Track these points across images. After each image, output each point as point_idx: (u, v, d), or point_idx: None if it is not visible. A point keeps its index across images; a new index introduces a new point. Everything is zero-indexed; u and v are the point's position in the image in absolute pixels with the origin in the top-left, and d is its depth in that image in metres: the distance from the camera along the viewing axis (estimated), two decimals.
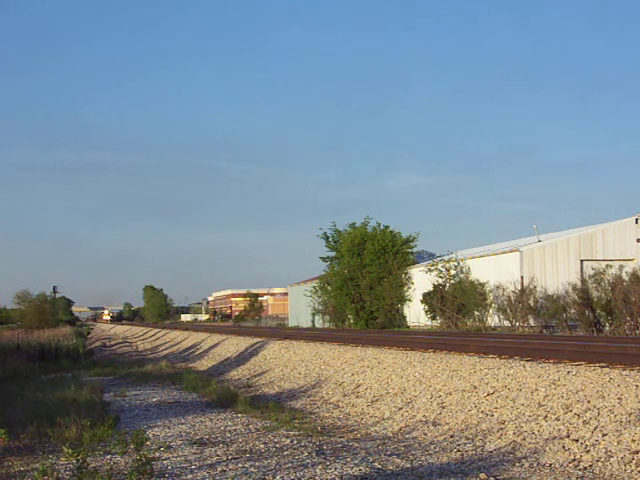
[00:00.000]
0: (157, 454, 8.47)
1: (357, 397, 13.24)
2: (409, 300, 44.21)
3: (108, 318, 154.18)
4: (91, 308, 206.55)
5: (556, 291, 29.81)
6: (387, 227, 47.27)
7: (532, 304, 30.84)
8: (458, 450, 8.59)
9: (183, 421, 11.33)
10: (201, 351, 30.06)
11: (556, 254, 34.94)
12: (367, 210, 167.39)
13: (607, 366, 10.89)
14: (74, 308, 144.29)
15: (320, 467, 7.64)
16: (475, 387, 11.18)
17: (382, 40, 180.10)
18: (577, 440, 8.04)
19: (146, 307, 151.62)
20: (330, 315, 49.85)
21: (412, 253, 46.91)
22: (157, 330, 58.23)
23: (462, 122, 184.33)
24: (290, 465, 7.78)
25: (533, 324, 30.59)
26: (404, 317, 44.32)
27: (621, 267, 27.76)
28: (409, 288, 44.63)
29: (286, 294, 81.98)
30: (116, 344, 45.74)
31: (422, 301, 39.79)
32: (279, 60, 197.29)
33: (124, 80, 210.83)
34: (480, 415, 10.00)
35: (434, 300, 37.76)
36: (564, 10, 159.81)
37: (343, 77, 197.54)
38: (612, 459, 7.36)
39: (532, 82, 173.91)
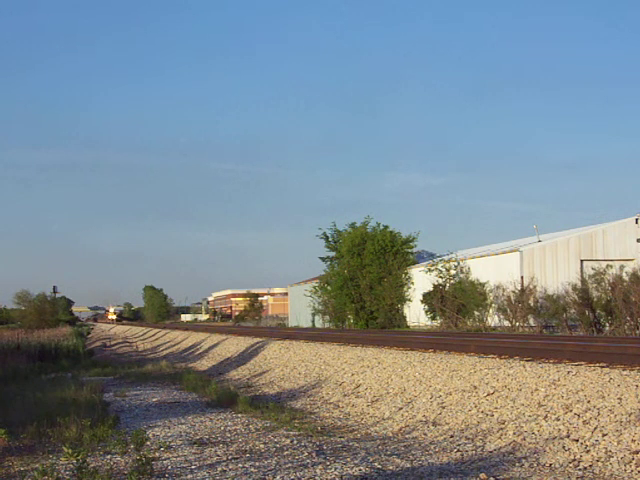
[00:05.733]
0: (157, 454, 8.46)
1: (357, 397, 13.25)
2: (409, 300, 44.21)
3: (114, 317, 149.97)
4: (91, 308, 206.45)
5: (556, 291, 29.81)
6: (387, 227, 47.29)
7: (532, 304, 30.84)
8: (458, 450, 8.59)
9: (183, 421, 11.32)
10: (201, 351, 30.06)
11: (556, 254, 34.94)
12: (367, 210, 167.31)
13: (607, 366, 10.90)
14: (74, 308, 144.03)
15: (320, 467, 7.64)
16: (475, 387, 11.18)
17: (382, 39, 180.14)
18: (577, 440, 8.04)
19: (146, 307, 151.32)
20: (330, 315, 49.85)
21: (412, 253, 46.90)
22: (157, 330, 58.24)
23: (462, 122, 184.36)
24: (290, 465, 7.78)
25: (533, 324, 30.59)
26: (404, 317, 44.31)
27: (621, 267, 27.77)
28: (409, 288, 44.63)
29: (286, 294, 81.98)
30: (116, 344, 45.75)
31: (422, 301, 39.80)
32: (279, 60, 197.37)
33: (125, 80, 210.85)
34: (480, 415, 10.00)
35: (434, 300, 37.76)
36: (564, 9, 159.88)
37: (342, 77, 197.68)
38: (612, 459, 7.36)
39: (532, 82, 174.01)
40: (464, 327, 33.68)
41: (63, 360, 24.87)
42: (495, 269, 35.82)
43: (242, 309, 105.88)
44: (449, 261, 39.51)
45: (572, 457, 7.68)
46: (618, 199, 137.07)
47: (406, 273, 45.25)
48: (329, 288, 49.49)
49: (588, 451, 7.70)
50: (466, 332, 29.15)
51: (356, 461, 7.95)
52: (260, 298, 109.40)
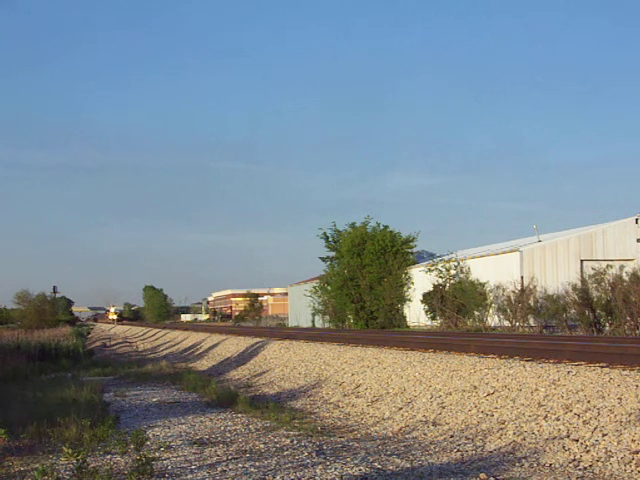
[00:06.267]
0: (157, 454, 8.46)
1: (357, 397, 13.25)
2: (409, 300, 44.21)
3: (115, 317, 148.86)
4: (91, 308, 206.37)
5: (556, 291, 29.80)
6: (387, 227, 47.28)
7: (532, 304, 30.83)
8: (458, 450, 8.59)
9: (183, 421, 11.33)
10: (201, 351, 30.07)
11: (556, 254, 34.94)
12: (367, 210, 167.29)
13: (607, 366, 10.90)
14: (74, 308, 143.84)
15: (320, 467, 7.64)
16: (475, 387, 11.18)
17: (382, 39, 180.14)
18: (577, 440, 8.04)
19: (146, 307, 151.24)
20: (330, 315, 49.84)
21: (412, 253, 46.90)
22: (157, 330, 58.24)
23: (462, 122, 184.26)
24: (290, 465, 7.78)
25: (533, 324, 30.58)
26: (404, 317, 44.31)
27: (621, 267, 27.76)
28: (409, 288, 44.63)
29: (286, 294, 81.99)
30: (116, 344, 45.76)
31: (422, 301, 39.80)
32: (279, 60, 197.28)
33: (125, 80, 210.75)
34: (480, 415, 10.01)
35: (434, 300, 37.76)
36: (564, 10, 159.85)
37: (343, 77, 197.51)
38: (612, 459, 7.37)
39: (532, 82, 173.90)
40: (464, 327, 33.68)
41: (63, 360, 24.85)
42: (495, 269, 35.82)
43: (242, 309, 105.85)
44: (449, 261, 39.51)
45: (572, 457, 7.69)
46: (618, 199, 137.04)
47: (406, 273, 45.25)
48: (329, 288, 49.48)
49: (588, 451, 7.70)
50: (466, 332, 29.14)
51: (356, 461, 7.95)
52: (260, 298, 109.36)
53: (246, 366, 21.44)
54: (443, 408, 10.84)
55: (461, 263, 38.92)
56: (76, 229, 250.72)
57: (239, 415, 11.85)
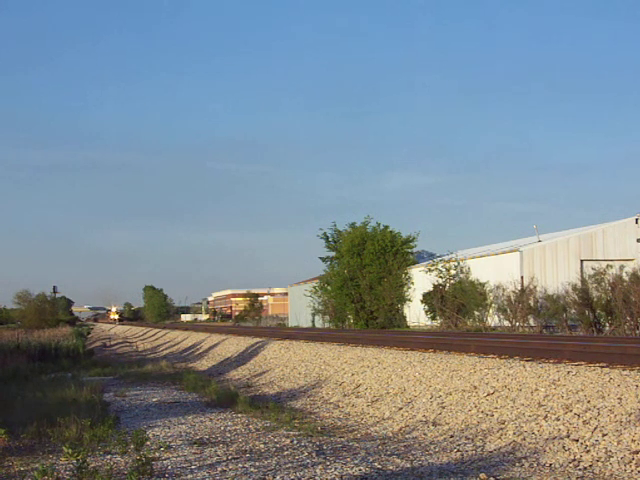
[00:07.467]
0: (157, 454, 8.46)
1: (357, 397, 13.25)
2: (409, 300, 44.22)
3: (116, 317, 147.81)
4: (91, 308, 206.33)
5: (556, 291, 29.82)
6: (387, 227, 47.31)
7: (532, 304, 30.85)
8: (458, 450, 8.59)
9: (183, 421, 11.33)
10: (201, 351, 30.07)
11: (556, 254, 34.94)
12: (367, 210, 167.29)
13: (607, 366, 10.90)
14: (74, 308, 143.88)
15: (320, 467, 7.64)
16: (475, 387, 11.19)
17: (383, 40, 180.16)
18: (577, 440, 8.04)
19: (146, 307, 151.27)
20: (330, 315, 49.86)
21: (412, 253, 46.93)
22: (157, 330, 58.24)
23: (462, 122, 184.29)
24: (290, 465, 7.78)
25: (533, 324, 30.59)
26: (404, 317, 44.32)
27: (621, 267, 27.77)
28: (409, 288, 44.64)
29: (286, 294, 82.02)
30: (116, 344, 45.76)
31: (422, 301, 39.81)
32: (279, 60, 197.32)
33: (125, 80, 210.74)
34: (480, 415, 10.01)
35: (434, 300, 37.77)
36: (564, 10, 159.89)
37: (343, 77, 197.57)
38: (612, 459, 7.37)
39: (532, 82, 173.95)
40: (464, 327, 33.68)
41: (63, 360, 24.85)
42: (495, 269, 35.82)
43: (242, 309, 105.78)
44: (449, 261, 39.52)
45: (572, 457, 7.69)
46: (618, 199, 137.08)
47: (406, 273, 45.26)
48: (329, 288, 49.49)
49: (588, 451, 7.70)
50: (466, 332, 29.14)
51: (356, 461, 7.95)
52: (260, 298, 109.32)
53: (246, 366, 21.44)
54: (443, 408, 10.84)
55: (461, 263, 38.93)
56: (77, 229, 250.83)
57: (239, 415, 11.85)
